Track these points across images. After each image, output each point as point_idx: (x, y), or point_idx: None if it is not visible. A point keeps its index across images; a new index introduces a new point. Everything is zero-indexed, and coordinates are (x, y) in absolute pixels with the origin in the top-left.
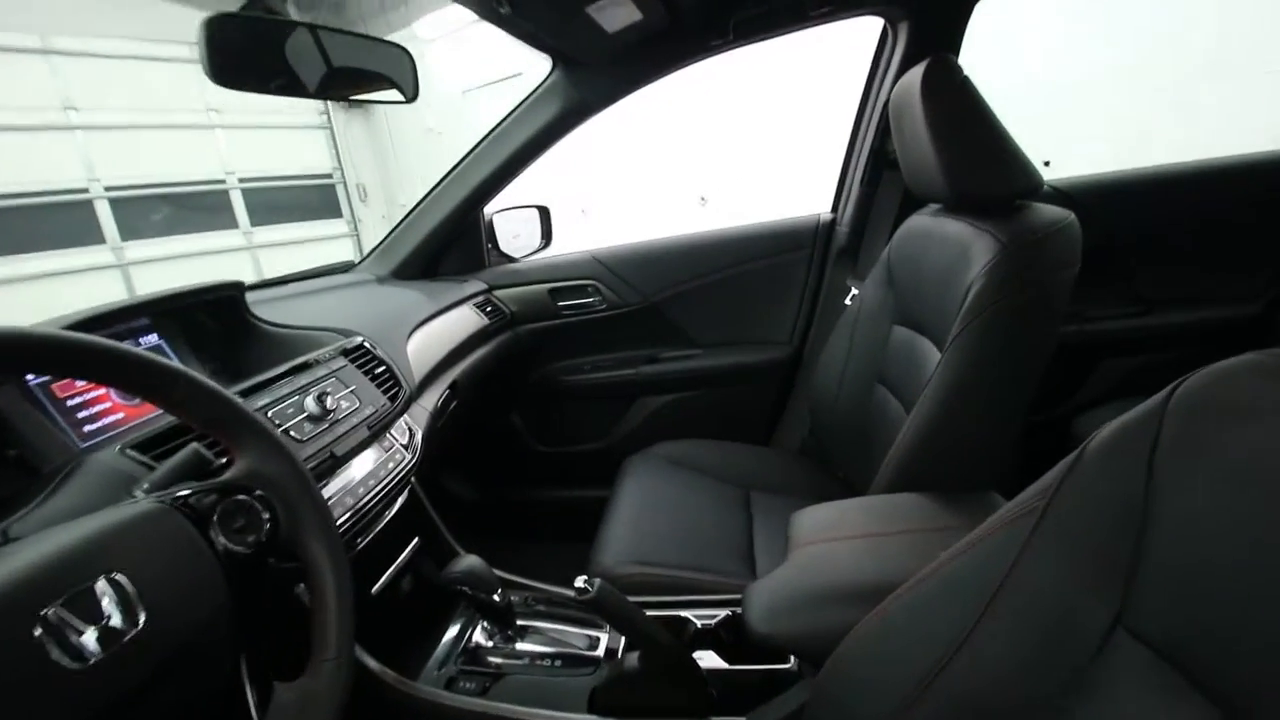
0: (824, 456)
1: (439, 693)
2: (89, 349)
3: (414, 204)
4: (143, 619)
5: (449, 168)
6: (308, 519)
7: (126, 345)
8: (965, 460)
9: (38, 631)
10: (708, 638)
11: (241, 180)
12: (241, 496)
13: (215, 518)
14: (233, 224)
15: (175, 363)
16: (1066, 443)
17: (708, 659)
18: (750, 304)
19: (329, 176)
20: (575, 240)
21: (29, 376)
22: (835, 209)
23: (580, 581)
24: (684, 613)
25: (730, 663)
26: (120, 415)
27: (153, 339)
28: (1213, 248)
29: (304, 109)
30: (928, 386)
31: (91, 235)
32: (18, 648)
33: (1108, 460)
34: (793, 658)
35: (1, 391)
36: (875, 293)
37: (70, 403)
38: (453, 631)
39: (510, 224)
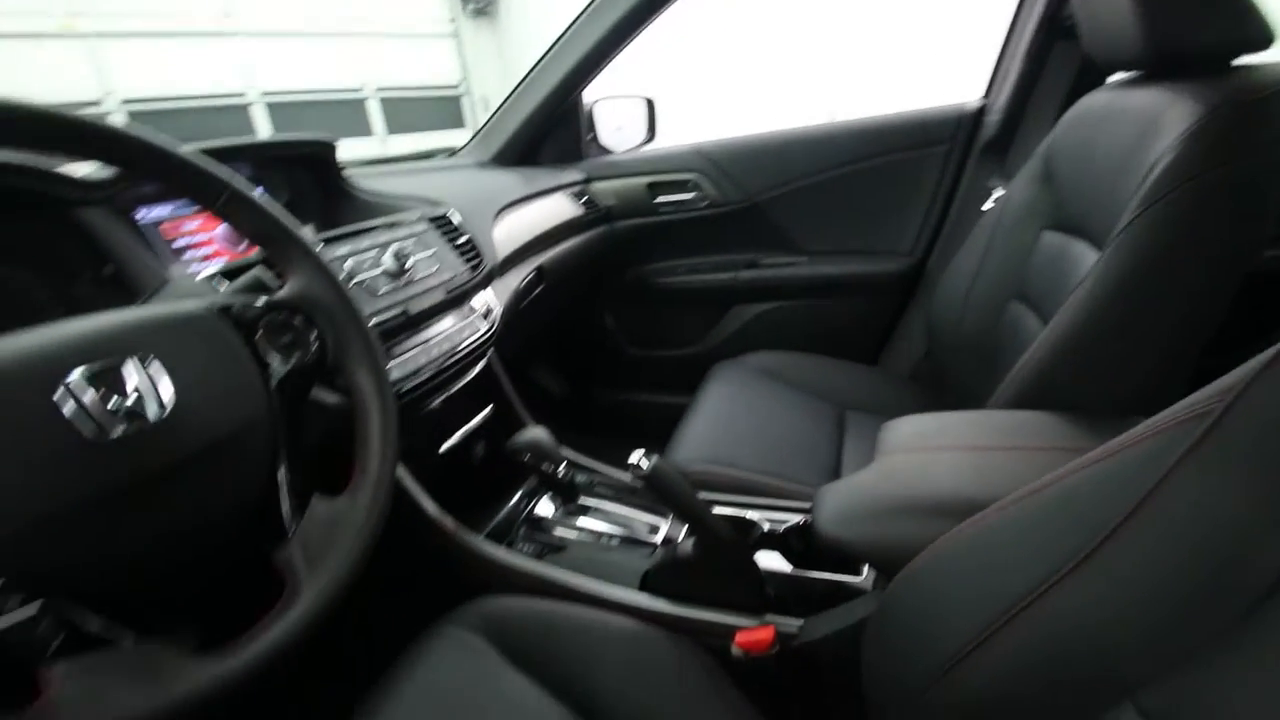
0: (940, 382)
1: (495, 547)
2: (142, 143)
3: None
4: (170, 408)
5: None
6: (354, 345)
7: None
8: (1113, 382)
9: (58, 395)
10: (774, 541)
11: (379, 89)
12: (289, 315)
13: (260, 331)
14: (366, 132)
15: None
16: None
17: (771, 560)
18: (868, 208)
19: (455, 88)
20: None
21: (138, 214)
22: (988, 95)
23: (636, 456)
24: (752, 514)
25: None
26: (225, 259)
27: (259, 191)
28: None
29: (434, 19)
30: (1078, 287)
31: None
32: (38, 408)
33: None
34: (866, 570)
35: (94, 213)
36: (1025, 191)
37: (176, 244)
38: (517, 499)
39: (612, 115)
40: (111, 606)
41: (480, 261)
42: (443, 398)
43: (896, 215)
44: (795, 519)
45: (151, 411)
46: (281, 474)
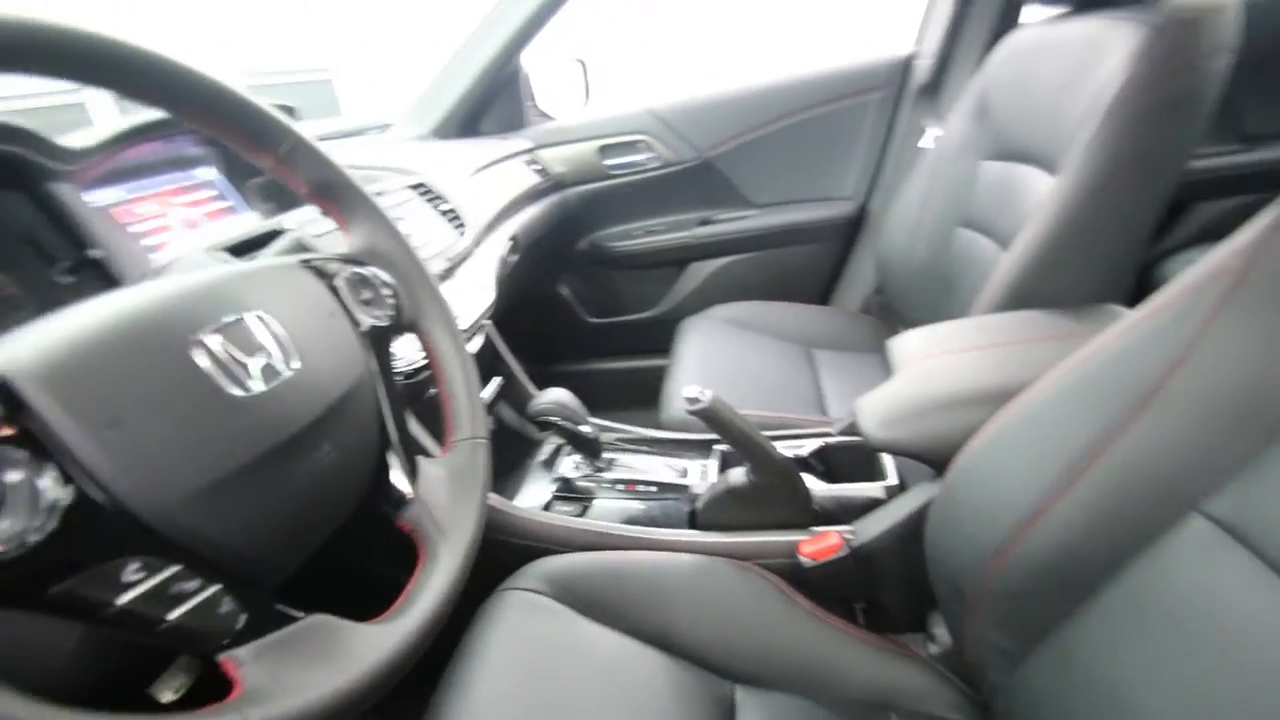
0: (893, 312)
1: (538, 512)
2: (207, 84)
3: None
4: (299, 363)
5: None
6: (426, 302)
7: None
8: (1090, 274)
9: (193, 352)
10: (801, 465)
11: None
12: (363, 270)
13: (342, 288)
14: None
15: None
16: (1147, 291)
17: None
18: (811, 156)
19: (323, 71)
20: None
21: (86, 196)
22: (919, 43)
23: (692, 390)
24: None
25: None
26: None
27: (210, 172)
28: None
29: None
30: (1051, 198)
31: None
32: (177, 365)
33: None
34: (891, 476)
35: (66, 189)
36: (962, 128)
37: (131, 228)
38: (540, 465)
39: (546, 78)
40: (276, 581)
41: (465, 229)
42: None
43: (838, 162)
44: (812, 444)
45: (286, 367)
46: (391, 433)
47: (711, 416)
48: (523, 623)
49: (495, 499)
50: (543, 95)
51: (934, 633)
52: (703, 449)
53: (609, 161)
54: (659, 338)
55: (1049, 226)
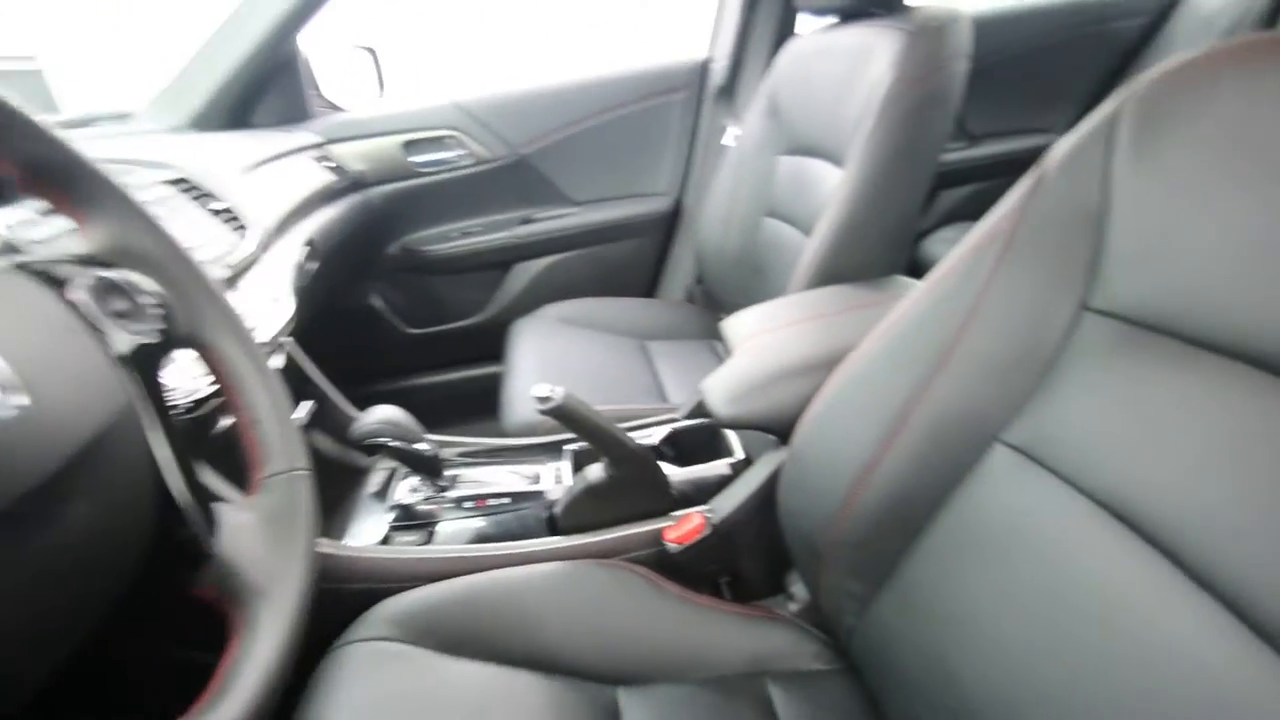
0: (714, 299)
1: (376, 548)
2: None
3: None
4: (24, 399)
5: None
6: (209, 309)
7: None
8: (880, 251)
9: None
10: (652, 453)
11: None
12: (112, 274)
13: (83, 296)
14: None
15: None
16: (914, 267)
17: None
18: (625, 154)
19: (30, 60)
20: None
21: None
22: (712, 48)
23: (543, 389)
24: None
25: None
26: None
27: None
28: (1022, 85)
29: None
30: (841, 188)
31: None
32: None
33: (1067, 172)
34: (738, 450)
35: None
36: (757, 126)
37: None
38: (371, 496)
39: (333, 65)
40: (28, 695)
41: (245, 231)
42: None
43: (651, 159)
44: (661, 430)
45: (3, 407)
46: (172, 479)
47: (565, 414)
48: (371, 677)
49: (321, 541)
50: (328, 84)
51: (792, 591)
52: (552, 451)
53: (416, 158)
54: (488, 344)
55: (841, 212)
